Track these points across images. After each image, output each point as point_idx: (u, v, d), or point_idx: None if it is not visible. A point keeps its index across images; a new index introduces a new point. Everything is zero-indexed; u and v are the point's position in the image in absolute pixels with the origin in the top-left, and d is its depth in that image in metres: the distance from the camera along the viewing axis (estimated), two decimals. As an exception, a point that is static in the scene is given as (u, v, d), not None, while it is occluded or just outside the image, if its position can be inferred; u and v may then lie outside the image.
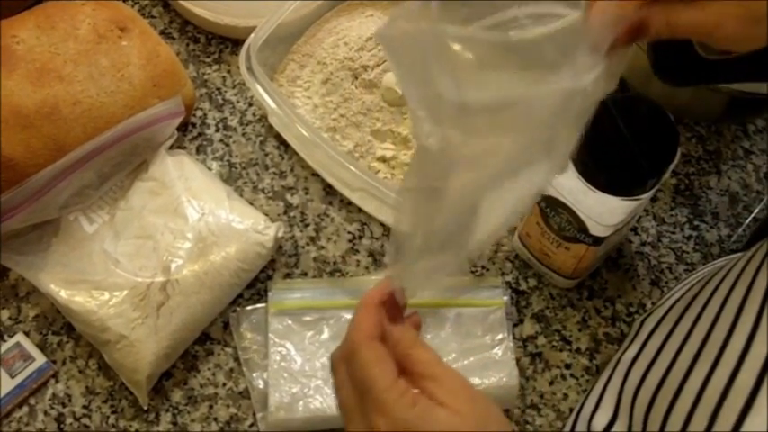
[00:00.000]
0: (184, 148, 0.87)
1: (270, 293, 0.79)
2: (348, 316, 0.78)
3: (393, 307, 0.56)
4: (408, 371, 0.52)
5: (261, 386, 0.75)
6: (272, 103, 0.79)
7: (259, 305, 0.79)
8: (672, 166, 0.69)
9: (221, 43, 0.93)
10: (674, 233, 0.87)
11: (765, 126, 0.93)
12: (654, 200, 0.88)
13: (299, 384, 0.74)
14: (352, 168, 0.76)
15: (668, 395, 0.58)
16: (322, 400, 0.74)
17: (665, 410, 0.57)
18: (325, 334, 0.77)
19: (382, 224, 0.84)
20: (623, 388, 0.66)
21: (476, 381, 0.76)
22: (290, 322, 0.77)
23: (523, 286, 0.83)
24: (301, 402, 0.73)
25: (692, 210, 0.88)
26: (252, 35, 0.83)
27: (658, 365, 0.62)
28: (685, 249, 0.86)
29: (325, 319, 0.77)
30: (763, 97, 0.81)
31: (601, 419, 0.67)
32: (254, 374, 0.76)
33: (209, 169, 0.85)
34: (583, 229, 0.73)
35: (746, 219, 0.87)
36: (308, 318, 0.77)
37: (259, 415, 0.75)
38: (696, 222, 0.87)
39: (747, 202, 0.89)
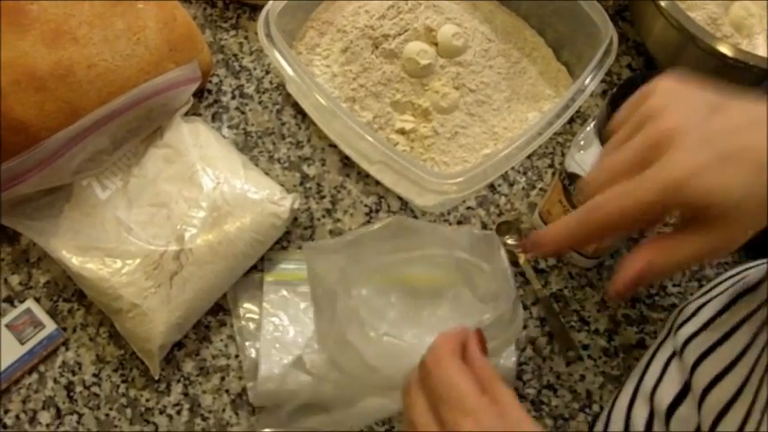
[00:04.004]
0: (200, 114, 0.85)
1: (267, 262, 0.77)
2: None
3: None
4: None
5: (253, 355, 0.74)
6: (290, 71, 0.77)
7: (257, 274, 0.78)
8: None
9: (239, 8, 0.91)
10: (697, 214, 0.85)
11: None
12: (677, 179, 0.86)
13: (290, 355, 0.73)
14: (371, 140, 0.75)
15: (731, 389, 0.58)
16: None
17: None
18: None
19: (399, 197, 0.83)
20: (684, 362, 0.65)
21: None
22: (284, 293, 0.76)
23: (543, 265, 0.81)
24: (292, 373, 0.72)
25: (717, 190, 0.86)
26: (271, 1, 0.81)
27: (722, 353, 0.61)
28: (708, 231, 0.84)
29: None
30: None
31: (668, 390, 0.66)
32: (247, 344, 0.75)
33: (225, 137, 0.84)
34: (606, 207, 0.71)
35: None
36: (303, 289, 0.76)
37: (249, 385, 0.74)
38: (720, 203, 0.85)
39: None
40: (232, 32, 0.90)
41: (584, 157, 0.71)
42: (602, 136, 0.68)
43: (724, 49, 0.77)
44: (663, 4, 0.78)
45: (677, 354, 0.67)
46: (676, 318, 0.70)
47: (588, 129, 0.71)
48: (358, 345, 0.63)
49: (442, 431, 0.52)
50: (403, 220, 0.70)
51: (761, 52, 0.86)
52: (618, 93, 0.67)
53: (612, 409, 0.70)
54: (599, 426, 0.71)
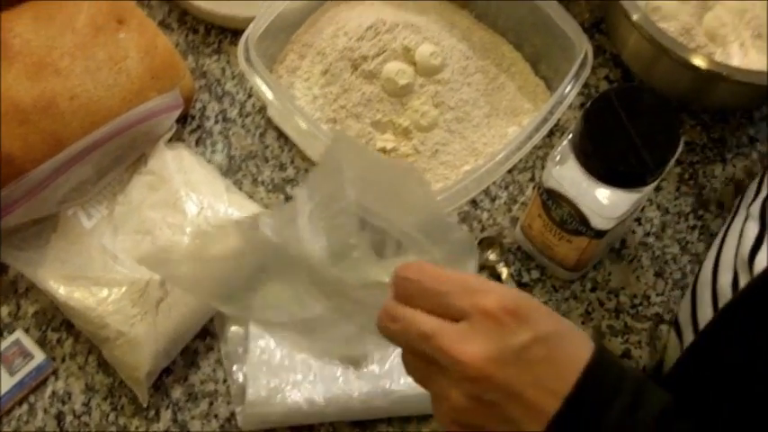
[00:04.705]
0: (184, 140, 0.86)
1: None
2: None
3: None
4: None
5: (240, 380, 0.75)
6: (270, 95, 0.78)
7: (244, 297, 0.79)
8: (674, 159, 0.68)
9: (221, 33, 0.92)
10: (678, 223, 0.86)
11: (770, 113, 0.92)
12: (658, 189, 0.87)
13: (277, 378, 0.74)
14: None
15: None
16: (300, 394, 0.73)
17: None
18: (308, 328, 0.77)
19: (383, 216, 0.84)
20: None
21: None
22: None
23: (526, 278, 0.82)
24: (279, 396, 0.73)
25: (697, 199, 0.87)
26: (251, 25, 0.82)
27: None
28: (690, 239, 0.85)
29: (308, 313, 0.77)
30: (763, 84, 0.80)
31: (746, 245, 0.68)
32: (235, 368, 0.76)
33: (209, 162, 0.85)
34: (584, 221, 0.72)
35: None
36: None
37: (237, 409, 0.75)
38: (701, 212, 0.86)
39: (752, 191, 0.88)
40: (214, 57, 0.91)
41: (562, 172, 0.72)
42: (578, 151, 0.69)
43: (697, 61, 0.78)
44: (635, 18, 0.80)
45: (749, 218, 0.71)
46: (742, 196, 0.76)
47: (564, 144, 0.72)
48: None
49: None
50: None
51: (735, 61, 0.87)
52: (592, 108, 0.69)
53: (696, 284, 0.73)
54: (684, 303, 0.74)
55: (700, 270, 0.76)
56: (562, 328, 0.53)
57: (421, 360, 0.54)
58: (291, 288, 0.69)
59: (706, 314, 0.71)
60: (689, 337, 0.73)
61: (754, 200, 0.74)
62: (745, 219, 0.73)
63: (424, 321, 0.52)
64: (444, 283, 0.53)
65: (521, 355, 0.51)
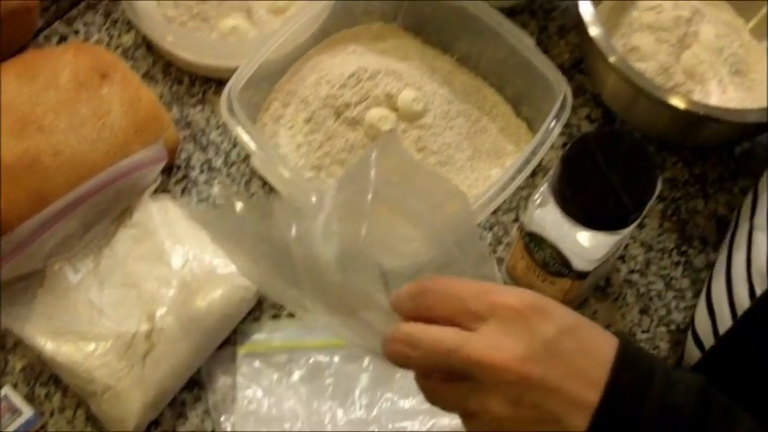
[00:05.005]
0: (169, 191, 0.87)
1: (240, 335, 0.79)
2: (320, 357, 0.78)
3: None
4: None
5: (228, 430, 0.75)
6: (253, 146, 0.79)
7: (230, 347, 0.79)
8: (652, 201, 0.69)
9: (205, 83, 0.93)
10: (662, 259, 0.86)
11: (751, 147, 0.92)
12: (641, 226, 0.88)
13: (265, 427, 0.74)
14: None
15: None
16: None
17: None
18: (295, 376, 0.77)
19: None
20: None
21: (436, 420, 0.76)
22: (258, 364, 0.77)
23: (512, 319, 0.83)
24: None
25: (680, 235, 0.88)
26: (234, 76, 0.83)
27: None
28: (674, 276, 0.86)
29: (295, 361, 0.78)
30: (745, 123, 0.81)
31: (759, 253, 0.70)
32: (222, 418, 0.76)
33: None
34: (566, 263, 0.73)
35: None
36: (277, 359, 0.78)
37: None
38: (684, 248, 0.87)
39: (735, 225, 0.88)
40: (199, 108, 0.92)
41: (542, 215, 0.72)
42: (558, 194, 0.69)
43: (675, 101, 0.79)
44: (611, 60, 0.81)
45: (755, 229, 0.72)
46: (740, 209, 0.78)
47: (544, 187, 0.72)
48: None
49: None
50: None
51: (714, 98, 0.88)
52: (570, 152, 0.69)
53: (711, 301, 0.74)
54: (700, 314, 0.76)
55: (709, 289, 0.77)
56: (583, 320, 0.54)
57: (445, 382, 0.54)
58: (295, 290, 0.66)
59: (726, 325, 0.72)
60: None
61: (753, 213, 0.75)
62: (750, 231, 0.74)
63: (447, 336, 0.52)
64: (461, 290, 0.53)
65: (551, 349, 0.51)
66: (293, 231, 0.58)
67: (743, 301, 0.70)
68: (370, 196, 0.58)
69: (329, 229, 0.58)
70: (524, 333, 0.51)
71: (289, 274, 0.58)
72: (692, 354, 0.77)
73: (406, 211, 0.62)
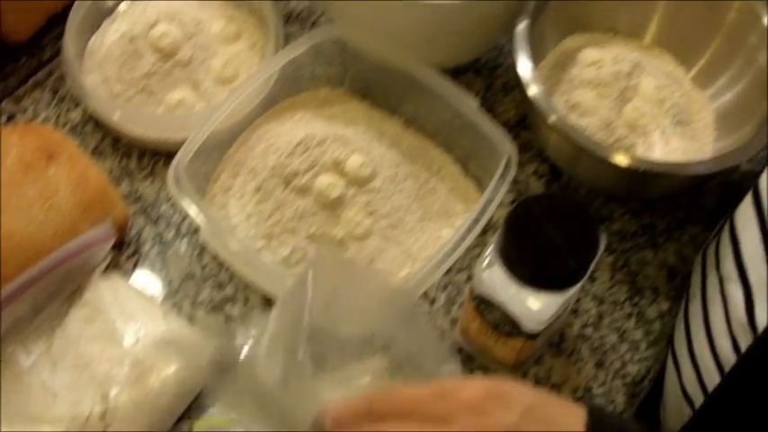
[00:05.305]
0: (120, 266, 0.87)
1: (195, 410, 0.79)
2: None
3: None
4: None
5: None
6: (200, 219, 0.80)
7: (187, 423, 0.79)
8: (596, 259, 0.70)
9: (154, 156, 0.94)
10: (614, 312, 0.87)
11: (697, 195, 0.94)
12: (592, 279, 0.88)
13: None
14: (282, 282, 0.77)
15: None
16: None
17: None
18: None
19: (324, 328, 0.84)
20: None
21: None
22: None
23: (468, 379, 0.83)
24: None
25: (631, 286, 0.89)
26: (181, 149, 0.83)
27: None
28: (627, 328, 0.86)
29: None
30: (689, 176, 0.83)
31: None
32: None
33: (147, 287, 0.85)
34: (516, 325, 0.73)
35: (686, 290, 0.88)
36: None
37: None
38: (636, 299, 0.88)
39: (685, 274, 0.89)
40: (149, 181, 0.92)
41: (491, 276, 0.73)
42: (503, 257, 0.70)
43: (616, 159, 0.80)
44: (551, 120, 0.82)
45: (725, 280, 0.72)
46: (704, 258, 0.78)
47: (490, 249, 0.73)
48: None
49: None
50: None
51: (658, 149, 0.90)
52: (512, 216, 0.70)
53: (694, 357, 0.74)
54: (687, 374, 0.76)
55: (690, 343, 0.77)
56: (544, 397, 0.54)
57: None
58: (237, 413, 0.69)
59: (714, 381, 0.72)
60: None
61: (718, 263, 0.75)
62: (720, 282, 0.74)
63: None
64: (414, 397, 0.53)
65: None
66: (242, 354, 0.61)
67: (728, 356, 0.70)
68: (306, 318, 0.60)
69: (271, 351, 0.60)
70: (488, 426, 0.51)
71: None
72: (681, 410, 0.78)
73: (349, 316, 0.64)
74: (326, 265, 0.64)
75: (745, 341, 0.68)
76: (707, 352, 0.74)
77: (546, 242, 0.69)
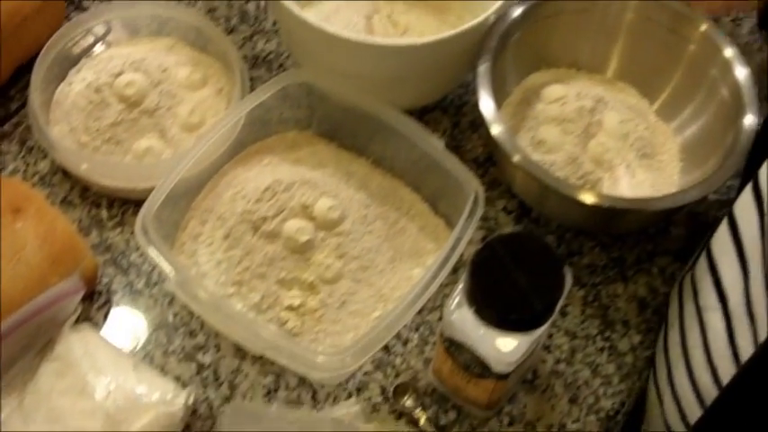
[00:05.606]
0: (91, 318, 0.87)
1: None
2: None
3: None
4: None
5: None
6: (168, 269, 0.79)
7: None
8: (561, 301, 0.70)
9: (123, 205, 0.94)
10: (587, 347, 0.87)
11: (666, 227, 0.94)
12: (564, 314, 0.89)
13: None
14: (253, 331, 0.77)
15: None
16: None
17: None
18: None
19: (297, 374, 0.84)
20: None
21: None
22: None
23: (444, 420, 0.83)
24: None
25: (603, 320, 0.89)
26: (149, 198, 0.83)
27: None
28: (600, 362, 0.87)
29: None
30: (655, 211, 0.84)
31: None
32: None
33: (118, 338, 0.85)
34: (486, 366, 0.73)
35: (657, 323, 0.88)
36: None
37: None
38: (607, 333, 0.88)
39: (656, 306, 0.90)
40: (118, 230, 0.92)
41: (459, 317, 0.73)
42: (470, 299, 0.70)
43: (581, 196, 0.80)
44: (515, 159, 0.82)
45: (704, 310, 0.72)
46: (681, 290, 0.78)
47: (458, 291, 0.73)
48: None
49: None
50: None
51: (624, 183, 0.90)
52: (477, 258, 0.71)
53: (676, 393, 0.74)
54: (670, 411, 0.76)
55: (670, 374, 0.77)
56: None
57: None
58: None
59: (695, 414, 0.72)
60: None
61: (696, 294, 0.76)
62: (698, 313, 0.74)
63: None
64: None
65: None
66: None
67: (708, 389, 0.70)
68: None
69: None
70: None
71: None
72: None
73: None
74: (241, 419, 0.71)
75: (725, 370, 0.68)
76: (686, 382, 0.74)
77: (511, 284, 0.69)
